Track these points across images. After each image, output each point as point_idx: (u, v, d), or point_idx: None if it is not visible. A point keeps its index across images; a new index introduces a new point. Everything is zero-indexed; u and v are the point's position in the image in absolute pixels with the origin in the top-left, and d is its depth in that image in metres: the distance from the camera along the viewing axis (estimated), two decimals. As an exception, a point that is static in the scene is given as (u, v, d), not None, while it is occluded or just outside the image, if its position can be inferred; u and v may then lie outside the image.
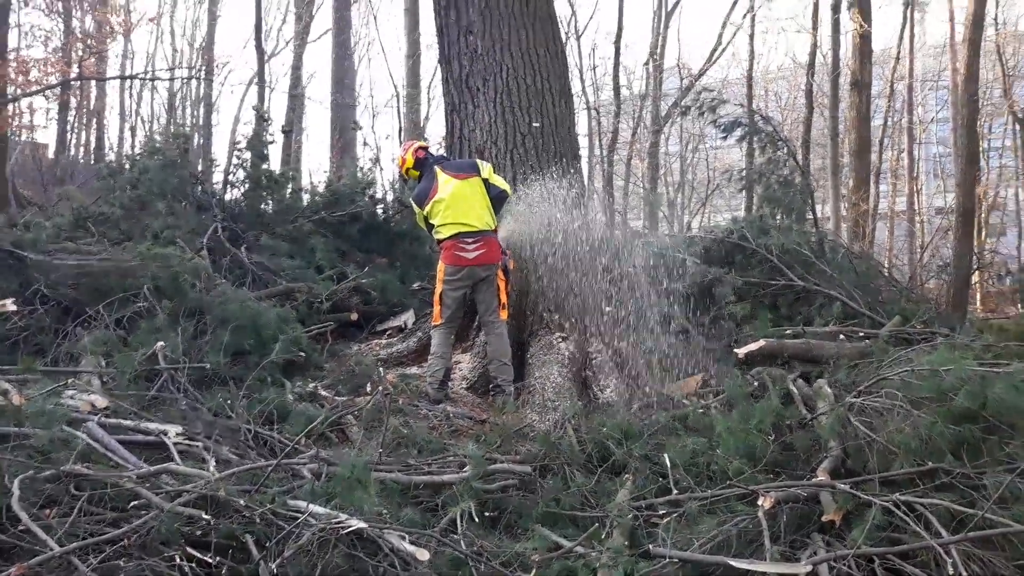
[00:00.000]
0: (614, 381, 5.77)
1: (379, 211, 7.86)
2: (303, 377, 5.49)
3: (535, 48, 6.24)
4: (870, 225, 12.79)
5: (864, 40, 12.50)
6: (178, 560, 2.69)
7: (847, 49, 17.20)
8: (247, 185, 8.06)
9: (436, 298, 5.38)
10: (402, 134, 20.80)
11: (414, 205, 5.54)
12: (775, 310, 7.54)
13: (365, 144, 20.04)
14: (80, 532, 2.73)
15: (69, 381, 4.20)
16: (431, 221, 5.39)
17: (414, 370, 6.03)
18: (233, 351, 5.14)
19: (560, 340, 5.76)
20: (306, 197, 8.26)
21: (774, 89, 30.01)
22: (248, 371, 5.06)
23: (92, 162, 19.76)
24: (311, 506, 3.10)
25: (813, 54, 20.08)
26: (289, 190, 8.25)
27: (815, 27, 19.93)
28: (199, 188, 8.15)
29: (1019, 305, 9.62)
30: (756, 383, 5.89)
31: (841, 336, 6.78)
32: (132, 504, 2.94)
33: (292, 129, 8.93)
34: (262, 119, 8.14)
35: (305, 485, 3.52)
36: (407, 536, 2.87)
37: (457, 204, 5.26)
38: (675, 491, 3.77)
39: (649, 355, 6.69)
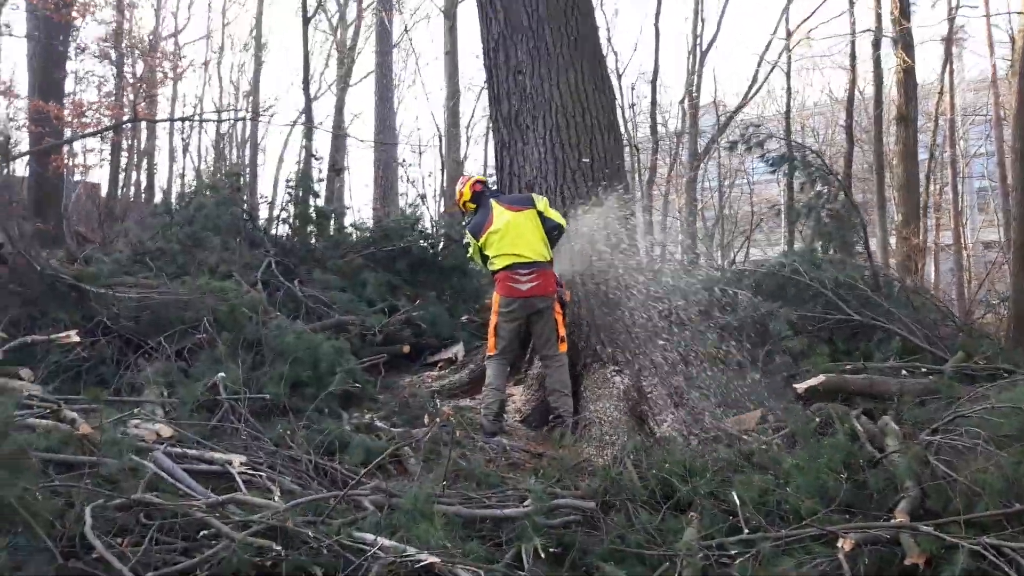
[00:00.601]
0: (671, 416, 5.66)
1: (428, 246, 7.89)
2: (358, 408, 5.49)
3: (583, 86, 6.27)
4: (922, 260, 12.52)
5: (908, 75, 12.40)
6: (251, 591, 2.67)
7: (890, 85, 17.10)
8: (297, 221, 8.17)
9: (491, 329, 5.36)
10: (444, 171, 21.15)
11: (469, 236, 5.55)
12: (831, 344, 7.39)
13: (410, 181, 20.34)
14: (153, 561, 2.72)
15: (135, 411, 4.23)
16: (486, 252, 5.39)
17: (467, 402, 5.99)
18: (291, 382, 5.15)
19: (615, 374, 5.68)
20: (352, 232, 8.34)
21: (811, 125, 29.89)
22: (305, 402, 5.08)
23: (143, 201, 20.32)
24: (379, 539, 3.06)
25: (852, 90, 20.01)
26: (335, 226, 8.35)
27: (853, 64, 19.91)
28: (250, 224, 8.29)
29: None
30: (818, 419, 5.77)
31: (904, 372, 6.62)
32: (202, 533, 2.93)
33: (342, 168, 9.07)
34: (313, 157, 8.29)
35: (369, 517, 3.48)
36: (481, 572, 2.79)
37: (511, 235, 5.26)
38: (746, 530, 3.65)
39: (705, 390, 6.58)
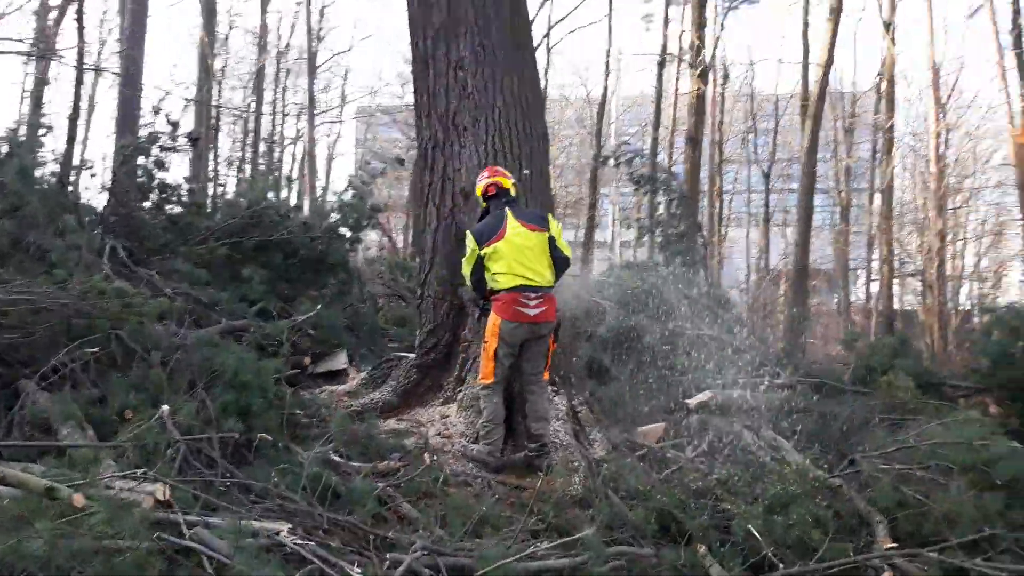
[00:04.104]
0: (599, 434, 5.80)
1: (310, 239, 7.09)
2: (290, 439, 4.85)
3: (525, 93, 6.11)
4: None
5: (700, 100, 13.80)
6: None
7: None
8: (135, 196, 6.90)
9: (489, 354, 4.98)
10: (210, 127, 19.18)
11: (471, 239, 5.07)
12: (685, 357, 8.05)
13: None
14: None
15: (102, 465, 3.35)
16: (487, 264, 4.99)
17: (392, 423, 5.60)
18: (235, 413, 4.40)
19: (554, 394, 5.67)
20: (209, 213, 7.24)
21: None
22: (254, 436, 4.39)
23: None
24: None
25: (603, 104, 21.97)
26: (187, 204, 7.22)
27: (607, 72, 21.82)
28: (70, 198, 6.85)
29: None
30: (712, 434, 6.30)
31: (762, 386, 7.44)
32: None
33: (199, 137, 7.70)
34: (171, 124, 7.01)
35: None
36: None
37: (524, 255, 4.94)
38: (781, 565, 3.90)
39: (599, 403, 6.83)
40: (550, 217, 5.26)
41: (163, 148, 6.90)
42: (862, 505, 4.46)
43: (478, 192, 5.25)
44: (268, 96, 26.23)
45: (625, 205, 31.06)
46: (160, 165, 6.91)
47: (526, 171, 5.96)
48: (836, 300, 24.28)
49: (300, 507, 3.67)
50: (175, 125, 6.82)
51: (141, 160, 6.90)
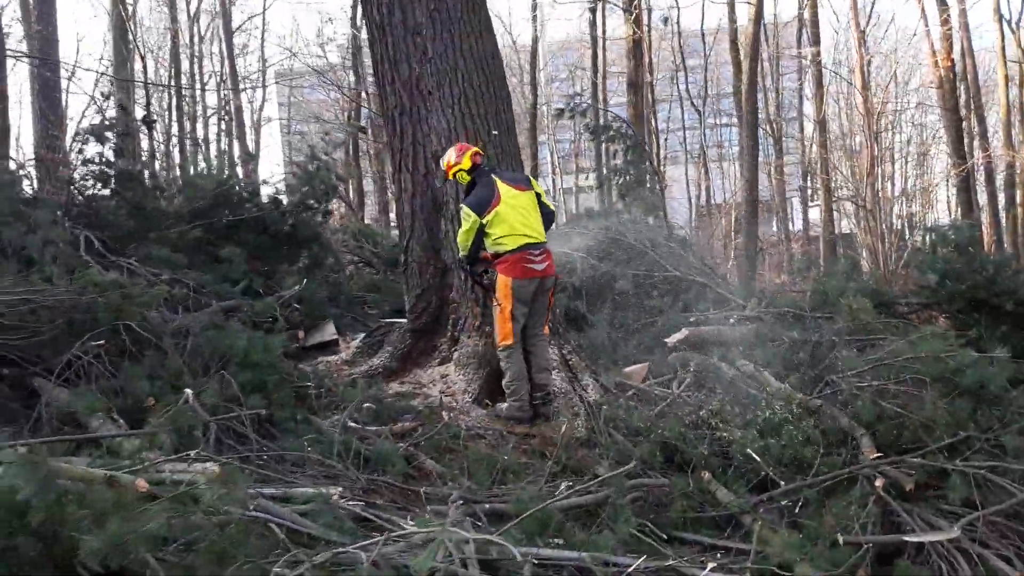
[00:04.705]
0: (591, 380, 6.07)
1: (280, 215, 7.09)
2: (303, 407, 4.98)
3: (484, 55, 6.19)
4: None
5: (637, 45, 13.96)
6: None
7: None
8: (98, 184, 6.77)
9: (505, 315, 5.15)
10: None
11: (469, 211, 5.19)
12: (658, 299, 8.36)
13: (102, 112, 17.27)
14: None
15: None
16: (489, 231, 5.16)
17: (395, 387, 5.77)
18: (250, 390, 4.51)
19: (550, 344, 5.90)
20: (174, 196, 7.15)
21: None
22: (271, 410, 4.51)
23: None
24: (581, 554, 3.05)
25: (535, 52, 21.95)
26: (146, 189, 7.12)
27: (535, 18, 21.79)
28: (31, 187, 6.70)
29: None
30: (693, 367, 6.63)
31: (731, 320, 7.81)
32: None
33: (154, 120, 7.46)
34: (123, 109, 6.86)
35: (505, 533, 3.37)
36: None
37: (522, 215, 5.15)
38: (782, 483, 4.25)
39: (583, 349, 7.10)
40: (531, 178, 5.47)
41: (121, 134, 6.76)
42: (845, 421, 4.83)
43: (465, 166, 5.33)
44: (184, 66, 25.27)
45: (561, 151, 31.25)
46: (120, 152, 6.77)
47: (495, 132, 6.08)
48: (776, 230, 25.14)
49: (339, 471, 3.85)
50: (124, 109, 6.67)
51: (96, 147, 6.73)
